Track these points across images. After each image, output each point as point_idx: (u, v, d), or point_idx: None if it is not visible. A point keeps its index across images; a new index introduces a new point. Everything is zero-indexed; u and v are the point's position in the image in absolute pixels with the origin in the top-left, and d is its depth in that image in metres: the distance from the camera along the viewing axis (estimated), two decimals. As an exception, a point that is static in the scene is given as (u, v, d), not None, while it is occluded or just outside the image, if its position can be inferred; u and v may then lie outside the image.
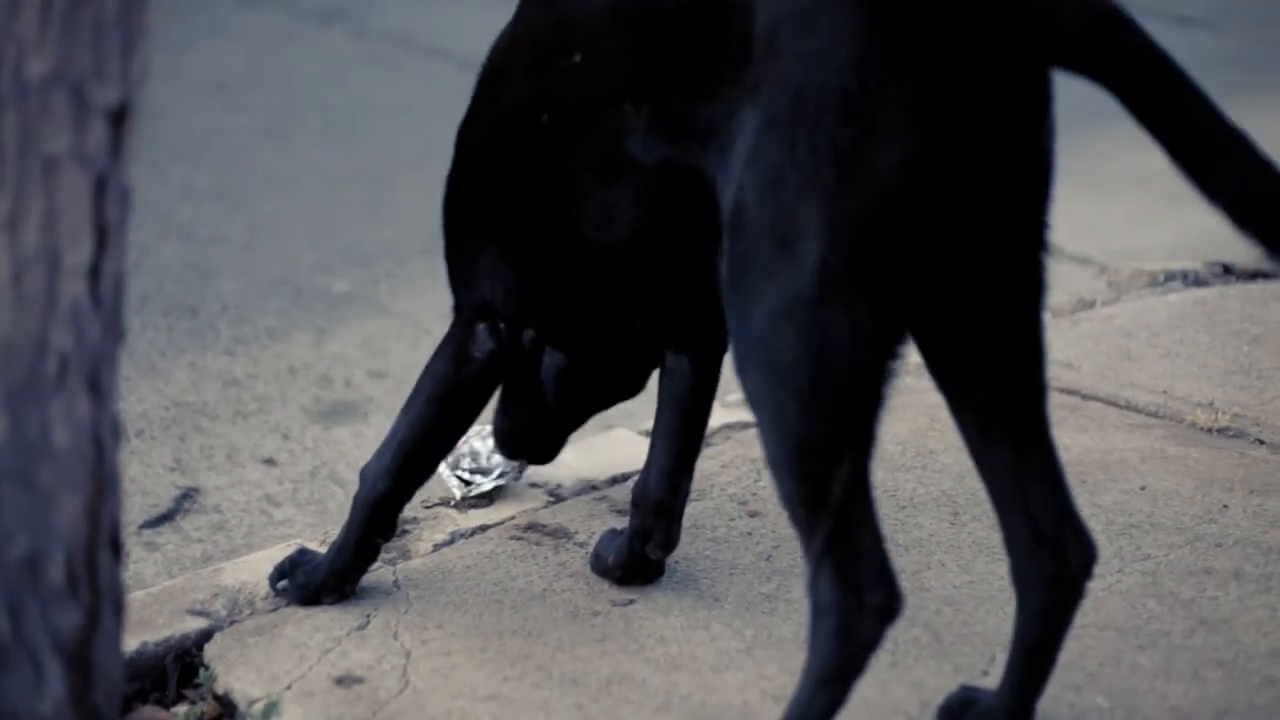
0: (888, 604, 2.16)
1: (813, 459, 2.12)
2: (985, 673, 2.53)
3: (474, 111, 2.58)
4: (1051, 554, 2.27)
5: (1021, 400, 2.28)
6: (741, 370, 2.14)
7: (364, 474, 2.71)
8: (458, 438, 2.69)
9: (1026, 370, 2.27)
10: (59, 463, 1.68)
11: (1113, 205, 5.81)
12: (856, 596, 2.15)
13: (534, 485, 3.10)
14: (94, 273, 1.69)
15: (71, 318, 1.67)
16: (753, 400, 2.15)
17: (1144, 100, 2.11)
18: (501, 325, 2.60)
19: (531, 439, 2.86)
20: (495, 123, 2.54)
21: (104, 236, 1.69)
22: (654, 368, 2.76)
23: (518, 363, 2.67)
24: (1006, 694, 2.34)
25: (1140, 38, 2.11)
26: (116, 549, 1.75)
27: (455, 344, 2.63)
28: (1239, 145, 2.07)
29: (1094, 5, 2.12)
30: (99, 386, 1.70)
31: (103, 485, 1.71)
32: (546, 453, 2.90)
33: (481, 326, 2.61)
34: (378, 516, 2.68)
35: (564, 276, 2.55)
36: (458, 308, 2.65)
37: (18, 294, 1.65)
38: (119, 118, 1.68)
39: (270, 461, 3.69)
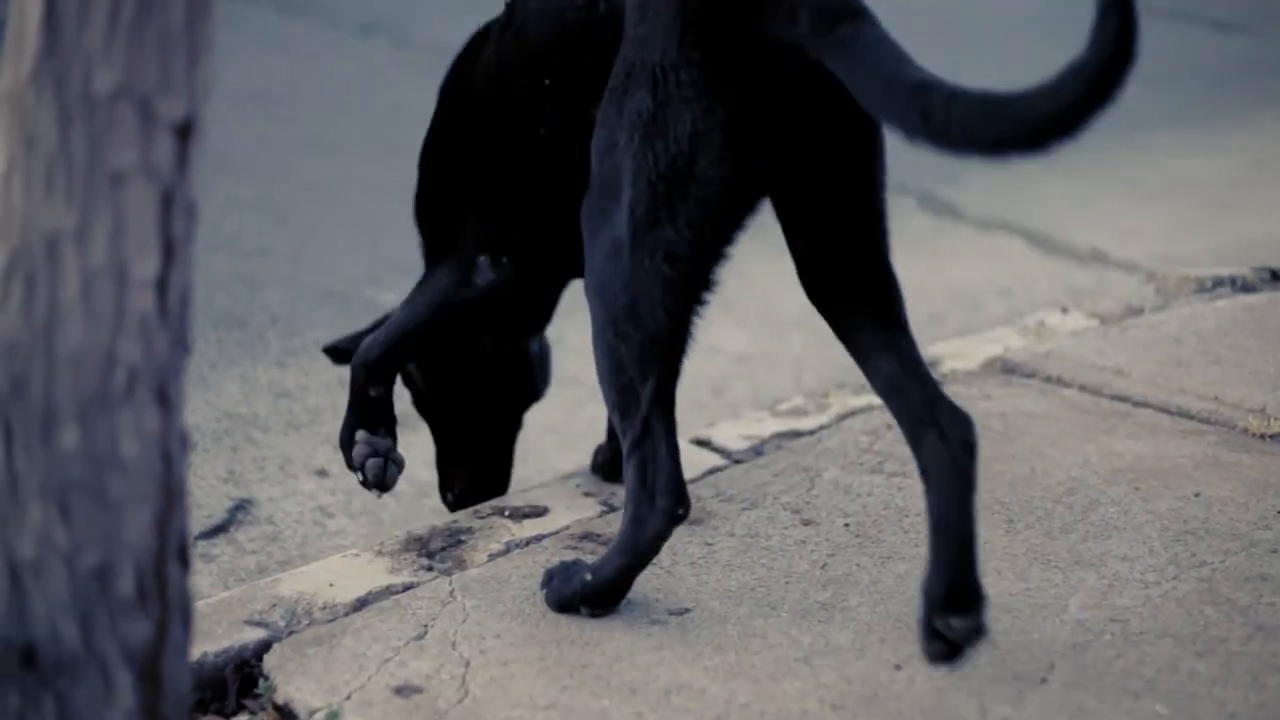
0: (673, 508, 2.55)
1: (623, 373, 2.53)
2: (1044, 680, 2.52)
3: (452, 96, 3.01)
4: (936, 435, 2.51)
5: (888, 325, 2.60)
6: (587, 295, 2.57)
7: (363, 346, 3.02)
8: (440, 339, 3.06)
9: (881, 295, 2.61)
10: (128, 474, 1.69)
11: (1156, 212, 5.81)
12: (649, 495, 2.55)
13: (588, 495, 3.10)
14: (161, 286, 1.69)
15: (140, 330, 1.68)
16: (592, 320, 2.56)
17: (855, 80, 2.33)
18: (504, 259, 2.94)
19: (464, 478, 3.29)
20: (473, 129, 2.93)
21: (171, 250, 1.70)
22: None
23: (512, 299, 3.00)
24: (933, 575, 2.46)
25: (860, 27, 2.36)
26: (185, 560, 1.76)
27: (458, 269, 2.96)
28: (932, 85, 2.24)
29: (824, 1, 2.39)
30: (167, 398, 1.71)
31: (171, 497, 1.72)
32: (485, 493, 3.27)
33: (483, 259, 2.94)
34: (366, 377, 2.99)
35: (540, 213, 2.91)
36: (453, 246, 2.98)
37: (87, 307, 1.66)
38: (185, 131, 1.69)
39: (323, 473, 3.70)
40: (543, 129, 2.82)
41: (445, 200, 3.01)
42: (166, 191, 1.70)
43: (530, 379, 3.26)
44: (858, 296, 2.59)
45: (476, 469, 3.29)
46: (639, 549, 2.60)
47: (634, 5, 2.53)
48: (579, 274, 2.92)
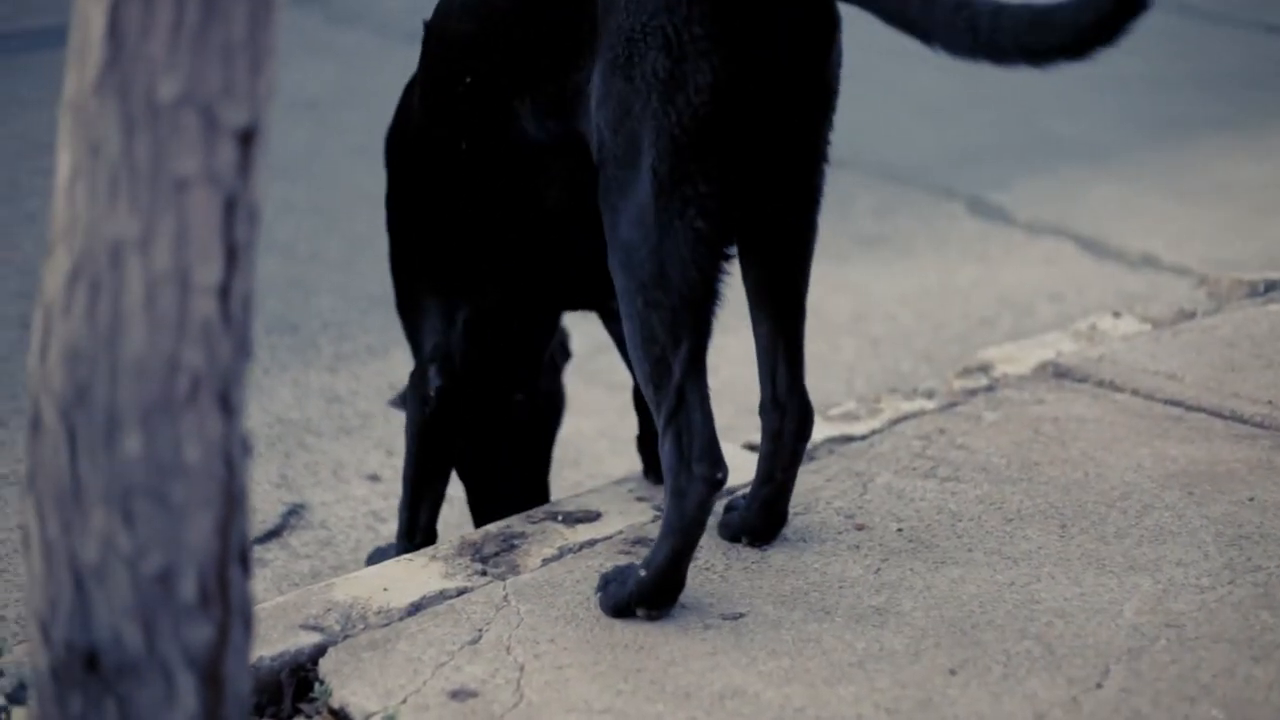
0: (711, 473, 2.57)
1: (655, 343, 2.55)
2: (1099, 685, 2.52)
3: (396, 181, 3.08)
4: (780, 414, 2.80)
5: (787, 288, 2.74)
6: (613, 271, 2.58)
7: (400, 517, 3.15)
8: (449, 463, 3.15)
9: (794, 264, 2.74)
10: (191, 479, 1.70)
11: (1206, 215, 5.78)
12: (687, 465, 2.57)
13: (640, 500, 3.11)
14: (224, 291, 1.71)
15: (202, 336, 1.69)
16: (619, 295, 2.58)
17: (890, 4, 2.45)
18: (448, 365, 3.02)
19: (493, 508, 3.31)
20: (420, 178, 2.99)
21: (233, 255, 1.71)
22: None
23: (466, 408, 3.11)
24: (752, 507, 2.89)
25: None
26: (246, 564, 1.77)
27: (414, 389, 3.07)
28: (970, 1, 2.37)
29: None
30: (229, 404, 1.73)
31: (233, 501, 1.73)
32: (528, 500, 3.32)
33: (433, 369, 3.03)
34: (413, 531, 3.12)
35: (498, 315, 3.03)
36: (415, 357, 3.09)
37: (150, 313, 1.67)
38: (247, 138, 1.70)
39: (375, 477, 3.72)
40: (464, 142, 2.88)
41: (408, 284, 3.11)
42: (229, 197, 1.71)
43: (542, 417, 3.28)
44: (783, 248, 2.73)
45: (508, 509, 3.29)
46: (684, 524, 2.60)
47: None
48: (567, 305, 3.13)
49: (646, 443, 3.22)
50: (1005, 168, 6.13)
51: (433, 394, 3.04)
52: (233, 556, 1.73)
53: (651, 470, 3.21)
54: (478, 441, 3.24)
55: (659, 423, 2.60)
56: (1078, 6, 2.29)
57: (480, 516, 3.31)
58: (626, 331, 2.60)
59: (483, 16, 2.83)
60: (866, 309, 4.87)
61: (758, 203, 2.66)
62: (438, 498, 3.14)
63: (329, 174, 5.76)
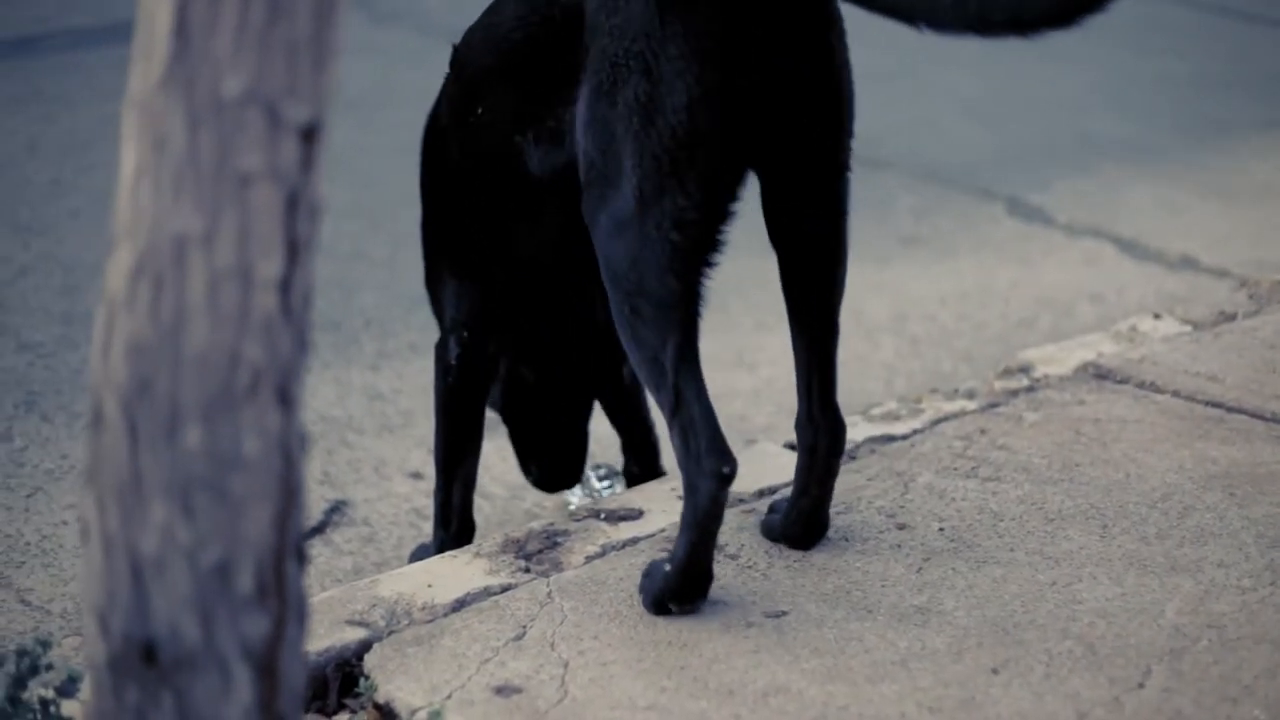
0: (718, 466, 2.60)
1: (646, 345, 2.62)
2: (1141, 685, 2.53)
3: (424, 167, 3.14)
4: (814, 430, 2.84)
5: (819, 305, 2.79)
6: (603, 280, 2.65)
7: (435, 490, 3.21)
8: (476, 436, 3.20)
9: (824, 278, 2.78)
10: (250, 473, 1.72)
11: (1246, 217, 5.77)
12: (696, 461, 2.61)
13: (682, 498, 3.12)
14: (285, 286, 1.73)
15: (264, 330, 1.72)
16: (610, 304, 2.66)
17: None
18: (466, 334, 3.11)
19: (538, 466, 3.41)
20: (441, 173, 3.09)
21: (295, 251, 1.73)
22: (594, 368, 3.34)
23: (490, 377, 3.20)
24: (791, 516, 2.92)
25: None
26: (301, 558, 1.79)
27: (438, 360, 3.17)
28: None
29: None
30: (288, 398, 1.75)
31: (291, 495, 1.75)
32: (561, 477, 3.42)
33: (452, 339, 3.13)
34: (448, 517, 3.18)
35: (513, 290, 3.10)
36: (440, 328, 3.18)
37: (213, 308, 1.69)
38: (310, 134, 1.72)
39: (417, 475, 3.74)
40: (474, 164, 2.99)
41: (433, 261, 3.20)
42: (292, 193, 1.73)
43: (596, 357, 3.34)
44: (811, 263, 2.77)
45: (550, 451, 3.41)
46: (699, 518, 2.63)
47: (602, 3, 2.62)
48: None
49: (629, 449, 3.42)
50: (1045, 168, 6.12)
51: (454, 362, 3.12)
52: (289, 550, 1.75)
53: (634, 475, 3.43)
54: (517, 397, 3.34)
55: (666, 420, 2.65)
56: None
57: (523, 453, 3.44)
58: (621, 338, 2.68)
59: (496, 49, 2.90)
60: (906, 309, 4.87)
61: (779, 214, 2.72)
62: (469, 478, 3.20)
63: (371, 173, 5.78)
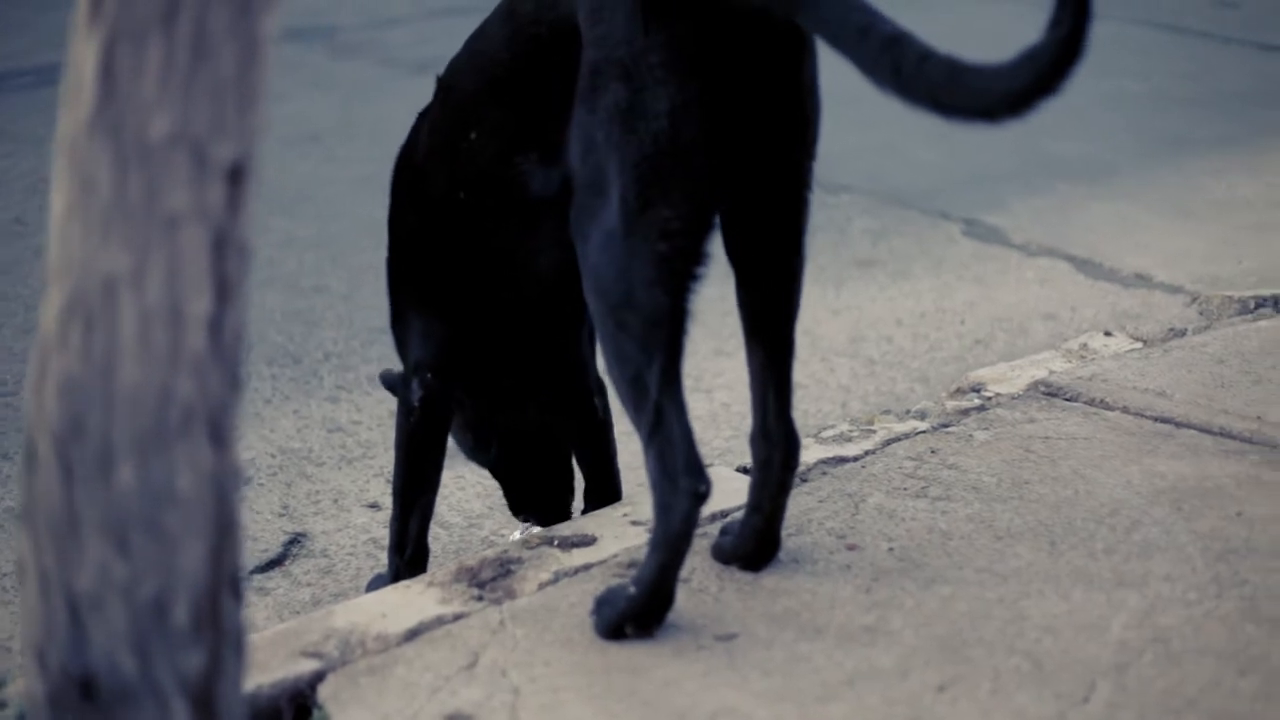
0: (694, 485, 2.62)
1: (629, 363, 2.62)
2: (1086, 699, 2.56)
3: (397, 203, 3.15)
4: (769, 444, 2.85)
5: (775, 322, 2.81)
6: (586, 296, 2.66)
7: (391, 531, 3.22)
8: (435, 472, 3.21)
9: (781, 295, 2.80)
10: (184, 509, 1.74)
11: (1201, 234, 5.82)
12: (671, 480, 2.62)
13: (635, 524, 3.14)
14: (215, 325, 1.75)
15: (194, 369, 1.74)
16: (594, 319, 2.67)
17: (828, 28, 2.50)
18: (430, 376, 3.11)
19: (526, 501, 3.42)
20: (419, 208, 3.08)
21: (224, 289, 1.76)
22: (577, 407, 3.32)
23: (451, 412, 3.20)
24: (744, 534, 2.94)
25: None
26: (237, 591, 1.81)
27: (401, 399, 3.17)
28: (903, 40, 2.43)
29: None
30: (220, 435, 1.77)
31: (224, 530, 1.78)
32: (552, 512, 3.41)
33: (415, 380, 3.13)
34: (403, 546, 3.19)
35: (487, 327, 3.10)
36: (404, 368, 3.18)
37: (143, 347, 1.72)
38: (237, 175, 1.75)
39: (375, 505, 3.76)
40: (463, 192, 2.97)
41: (399, 300, 3.21)
42: (219, 233, 1.76)
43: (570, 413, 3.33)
44: (769, 281, 2.79)
45: (540, 493, 3.42)
46: (671, 539, 2.65)
47: (587, 12, 2.64)
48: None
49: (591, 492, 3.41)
50: (1002, 189, 6.17)
51: (416, 404, 3.13)
52: (224, 584, 1.78)
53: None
54: (507, 446, 3.35)
55: (642, 439, 2.66)
56: (993, 73, 2.36)
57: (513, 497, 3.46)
58: (603, 353, 2.69)
59: (486, 72, 2.92)
60: (863, 331, 4.91)
61: (738, 230, 2.74)
62: (427, 509, 3.21)
63: (332, 206, 5.81)
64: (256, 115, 1.79)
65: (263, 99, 1.79)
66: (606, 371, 2.71)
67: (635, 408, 2.65)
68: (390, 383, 3.31)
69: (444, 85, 3.04)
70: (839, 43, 2.49)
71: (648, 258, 2.59)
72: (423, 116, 3.13)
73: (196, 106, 1.73)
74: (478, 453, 3.36)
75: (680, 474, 2.63)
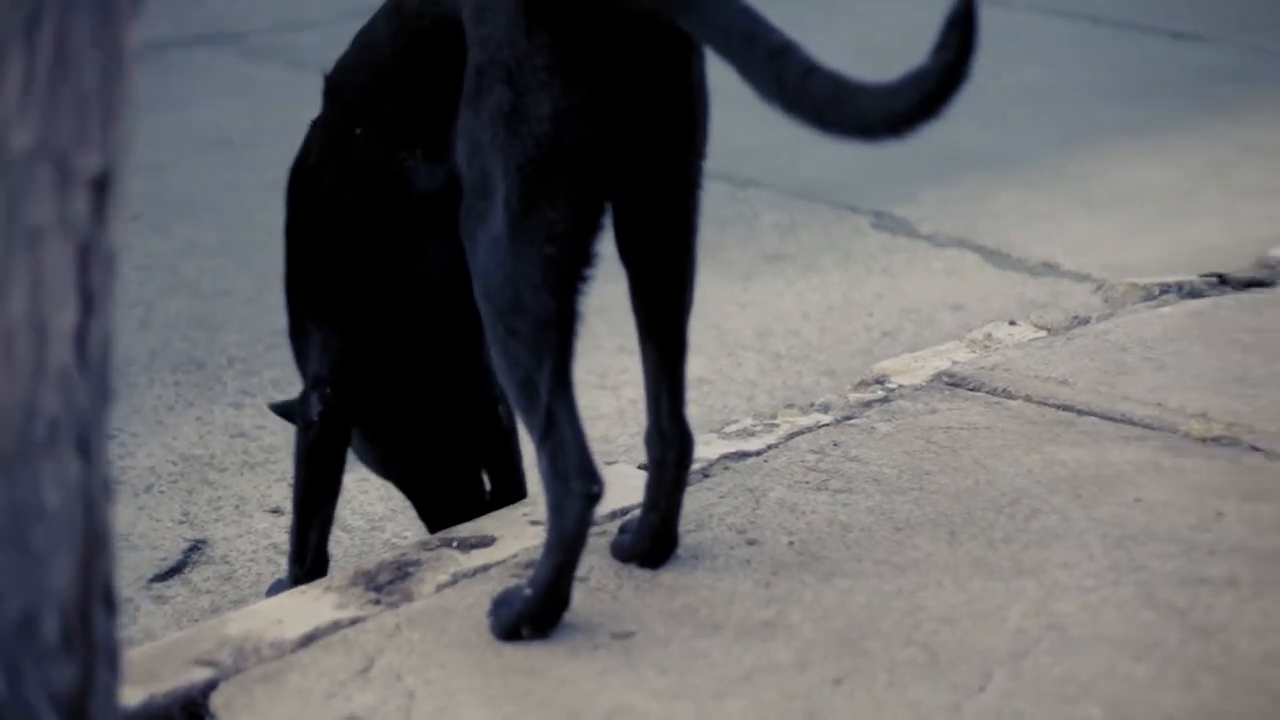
0: (587, 487, 2.64)
1: (520, 366, 2.63)
2: (981, 689, 2.57)
3: (291, 210, 3.13)
4: (663, 443, 2.86)
5: (667, 321, 2.81)
6: (476, 300, 2.67)
7: (290, 548, 3.21)
8: (335, 485, 3.20)
9: (673, 295, 2.80)
10: (51, 524, 1.73)
11: (1109, 221, 5.86)
12: (564, 482, 2.63)
13: (534, 524, 3.14)
14: (80, 338, 1.74)
15: (60, 382, 1.72)
16: (484, 324, 2.66)
17: (713, 36, 2.50)
18: (329, 390, 3.10)
19: (438, 513, 3.37)
20: (311, 214, 3.08)
21: (89, 302, 1.74)
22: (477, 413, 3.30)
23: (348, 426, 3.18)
24: (641, 532, 2.94)
25: None
26: (110, 605, 1.80)
27: (300, 414, 3.15)
28: (789, 51, 2.42)
29: None
30: (89, 448, 1.75)
31: (95, 544, 1.76)
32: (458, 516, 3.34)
33: (315, 395, 3.11)
34: (303, 554, 3.19)
35: (386, 337, 3.10)
36: (303, 382, 3.16)
37: (7, 360, 1.70)
38: (101, 186, 1.73)
39: (277, 511, 3.74)
40: (351, 191, 2.97)
41: (297, 312, 3.20)
42: (84, 245, 1.74)
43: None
44: (660, 281, 2.79)
45: (450, 503, 3.37)
46: (565, 540, 2.66)
47: (471, 11, 2.64)
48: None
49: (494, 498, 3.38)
50: (911, 180, 6.19)
51: (315, 418, 3.12)
52: (96, 597, 1.76)
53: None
54: (413, 454, 3.33)
55: (534, 442, 2.67)
56: (876, 93, 2.36)
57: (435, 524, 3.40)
58: (494, 358, 2.69)
59: (372, 68, 2.92)
60: (770, 325, 4.92)
61: (629, 232, 2.74)
62: (326, 520, 3.20)
63: (239, 211, 5.78)
64: (122, 126, 1.77)
65: (128, 108, 1.78)
66: (498, 375, 2.70)
67: (526, 411, 2.66)
68: (283, 410, 3.30)
69: (332, 83, 3.03)
70: (724, 50, 2.49)
71: (534, 261, 2.59)
72: (313, 129, 3.12)
73: (59, 118, 1.71)
74: (383, 466, 3.33)
75: (573, 476, 2.63)
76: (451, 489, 3.34)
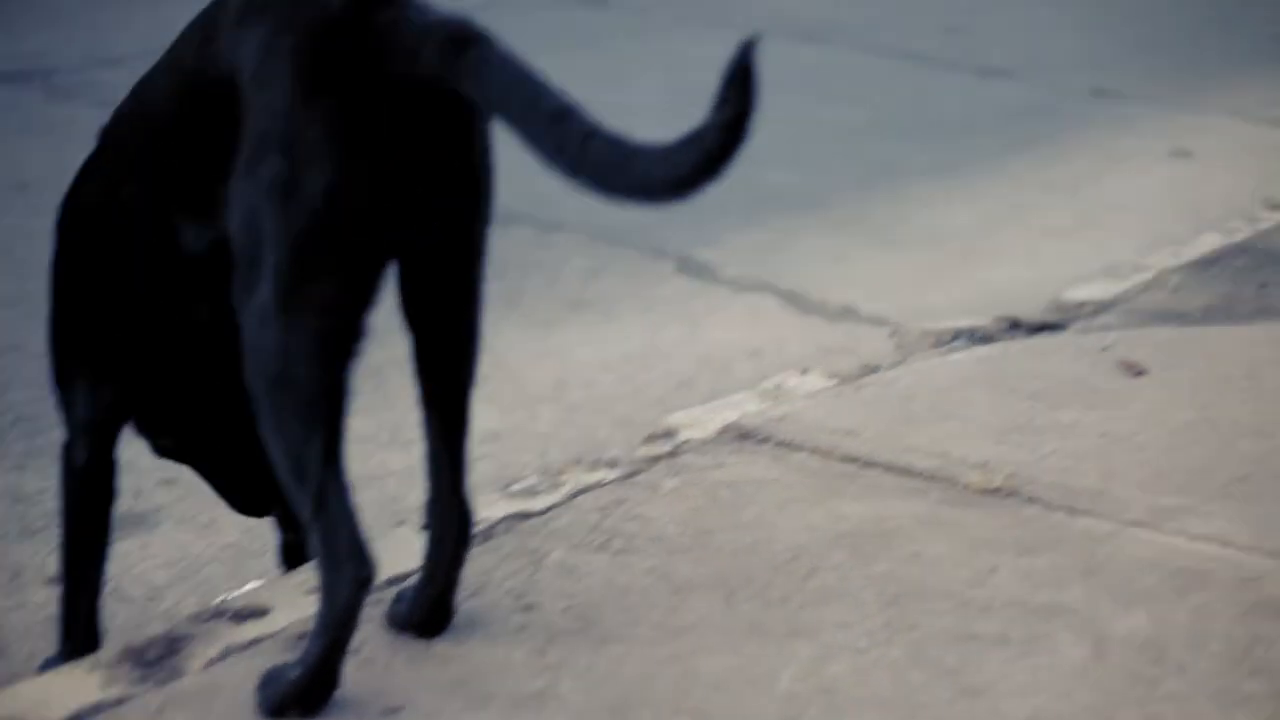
0: (358, 571, 2.58)
1: (290, 440, 2.57)
2: (749, 757, 2.57)
3: (59, 255, 3.06)
4: (441, 519, 2.83)
5: (449, 394, 2.79)
6: (245, 371, 2.61)
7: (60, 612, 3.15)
8: (102, 542, 3.13)
9: (455, 368, 2.78)
10: None
11: (908, 264, 5.92)
12: (336, 564, 2.59)
13: (311, 593, 3.08)
14: None
15: None
16: (253, 397, 2.60)
17: (495, 101, 2.49)
18: (94, 438, 3.05)
19: (245, 496, 3.31)
20: (79, 261, 3.01)
21: None
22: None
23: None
24: (417, 602, 2.91)
25: (485, 49, 2.49)
26: None
27: (65, 463, 3.10)
28: (569, 117, 2.40)
29: (446, 31, 2.50)
30: None
31: None
32: (259, 504, 3.31)
33: (80, 442, 3.06)
34: (73, 627, 3.11)
35: (158, 387, 3.05)
36: (67, 430, 3.10)
37: None
38: None
39: (55, 581, 3.66)
40: (119, 247, 2.91)
41: (62, 358, 3.13)
42: None
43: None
44: (442, 352, 2.77)
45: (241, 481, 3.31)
46: (335, 623, 2.61)
47: (249, 76, 2.58)
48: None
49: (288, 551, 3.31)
50: (716, 222, 6.19)
51: (80, 465, 3.07)
52: None
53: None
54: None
55: (305, 520, 2.62)
56: (656, 155, 2.35)
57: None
58: (263, 432, 2.63)
59: (147, 125, 2.85)
60: (568, 375, 4.90)
61: (411, 300, 2.71)
62: (96, 585, 3.13)
63: (33, 261, 5.55)
64: None
65: None
66: (268, 449, 2.64)
67: (296, 488, 2.61)
68: None
69: (106, 134, 2.98)
70: (505, 116, 2.47)
71: (304, 334, 2.55)
72: (85, 166, 3.05)
73: None
74: (177, 455, 3.26)
75: (344, 560, 2.59)
76: (250, 466, 3.25)
